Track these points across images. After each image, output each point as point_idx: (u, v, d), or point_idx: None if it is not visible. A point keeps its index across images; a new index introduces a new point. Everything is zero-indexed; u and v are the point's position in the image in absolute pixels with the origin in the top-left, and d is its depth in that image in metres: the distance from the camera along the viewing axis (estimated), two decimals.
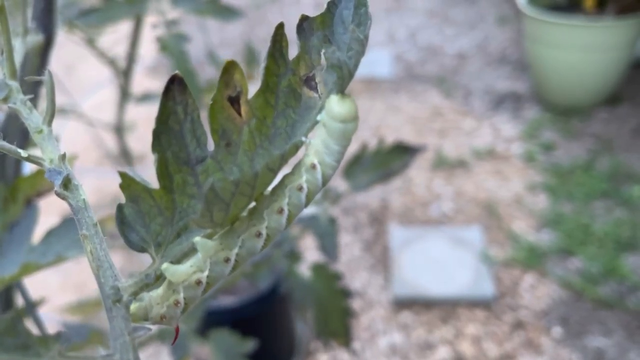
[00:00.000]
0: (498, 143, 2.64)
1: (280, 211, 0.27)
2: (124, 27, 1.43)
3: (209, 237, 0.27)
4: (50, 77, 0.34)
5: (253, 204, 0.27)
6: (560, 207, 2.21)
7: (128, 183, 0.25)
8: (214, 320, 1.38)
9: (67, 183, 0.28)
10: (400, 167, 1.05)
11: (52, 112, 0.33)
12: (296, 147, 0.25)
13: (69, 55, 3.26)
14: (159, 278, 0.27)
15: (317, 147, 0.26)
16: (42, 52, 0.67)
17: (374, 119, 2.90)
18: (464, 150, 2.61)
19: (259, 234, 0.27)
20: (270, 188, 0.27)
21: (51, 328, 0.89)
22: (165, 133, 0.25)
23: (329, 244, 0.94)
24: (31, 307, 0.69)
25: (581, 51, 2.65)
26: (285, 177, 0.27)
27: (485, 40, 3.62)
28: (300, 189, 0.26)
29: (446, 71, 3.31)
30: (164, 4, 1.16)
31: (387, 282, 1.96)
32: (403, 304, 1.88)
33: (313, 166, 0.26)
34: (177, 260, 0.27)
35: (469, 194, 2.33)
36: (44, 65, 0.68)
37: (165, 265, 0.26)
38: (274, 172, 0.24)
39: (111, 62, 1.49)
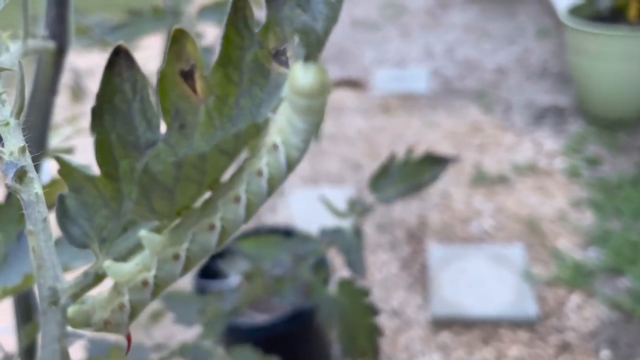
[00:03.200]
0: (540, 158, 2.55)
1: (237, 199, 0.23)
2: (156, 44, 1.44)
3: (158, 231, 0.24)
4: (21, 69, 0.32)
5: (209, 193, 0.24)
6: (607, 224, 2.10)
7: (67, 171, 0.22)
8: (244, 339, 1.35)
9: (22, 175, 0.25)
10: (430, 179, 1.01)
11: (20, 105, 0.31)
12: (256, 127, 0.21)
13: None
14: (101, 278, 0.24)
15: (280, 125, 0.22)
16: (56, 61, 0.66)
17: (411, 134, 2.85)
18: (504, 165, 2.53)
19: (211, 226, 0.23)
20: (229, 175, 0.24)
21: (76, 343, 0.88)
22: (109, 113, 0.22)
23: (354, 259, 0.90)
24: None
25: (626, 61, 2.55)
26: (245, 161, 0.23)
27: (525, 54, 3.54)
28: (260, 173, 0.22)
29: (485, 86, 3.23)
30: (191, 17, 1.16)
31: (425, 301, 1.90)
32: (442, 323, 1.81)
33: (275, 147, 0.22)
34: (123, 258, 0.24)
35: (510, 211, 2.25)
36: (58, 74, 0.67)
37: (107, 263, 0.23)
38: (229, 155, 0.21)
39: None
